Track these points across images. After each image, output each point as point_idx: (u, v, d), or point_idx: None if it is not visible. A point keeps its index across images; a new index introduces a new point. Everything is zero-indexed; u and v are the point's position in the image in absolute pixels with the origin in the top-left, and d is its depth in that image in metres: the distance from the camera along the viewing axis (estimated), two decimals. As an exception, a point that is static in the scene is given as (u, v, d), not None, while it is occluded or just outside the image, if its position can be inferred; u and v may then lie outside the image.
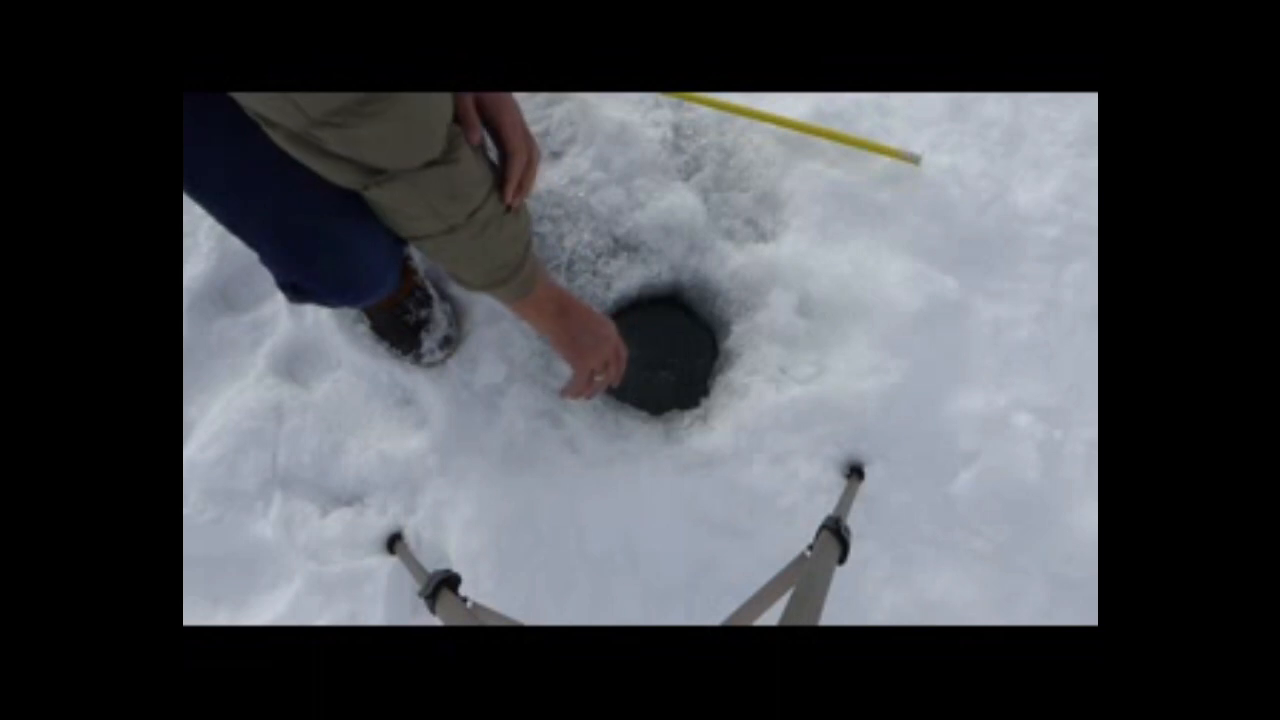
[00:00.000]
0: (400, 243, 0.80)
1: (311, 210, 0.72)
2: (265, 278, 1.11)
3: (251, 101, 0.57)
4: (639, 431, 1.16)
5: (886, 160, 1.20)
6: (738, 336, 1.18)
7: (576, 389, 0.96)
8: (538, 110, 1.24)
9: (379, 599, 1.09)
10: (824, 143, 1.21)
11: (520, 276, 0.82)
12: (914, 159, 1.18)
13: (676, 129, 1.25)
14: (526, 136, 0.82)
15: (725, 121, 1.26)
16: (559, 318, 0.91)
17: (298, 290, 0.81)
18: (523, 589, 1.08)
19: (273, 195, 0.72)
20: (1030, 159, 1.25)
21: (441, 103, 0.63)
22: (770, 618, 0.71)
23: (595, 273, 1.20)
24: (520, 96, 1.24)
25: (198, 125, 0.64)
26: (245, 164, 0.70)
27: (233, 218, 0.76)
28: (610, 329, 0.96)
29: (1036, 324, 1.17)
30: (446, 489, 1.12)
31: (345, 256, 0.76)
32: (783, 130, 1.22)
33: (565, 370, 1.18)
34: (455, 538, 1.10)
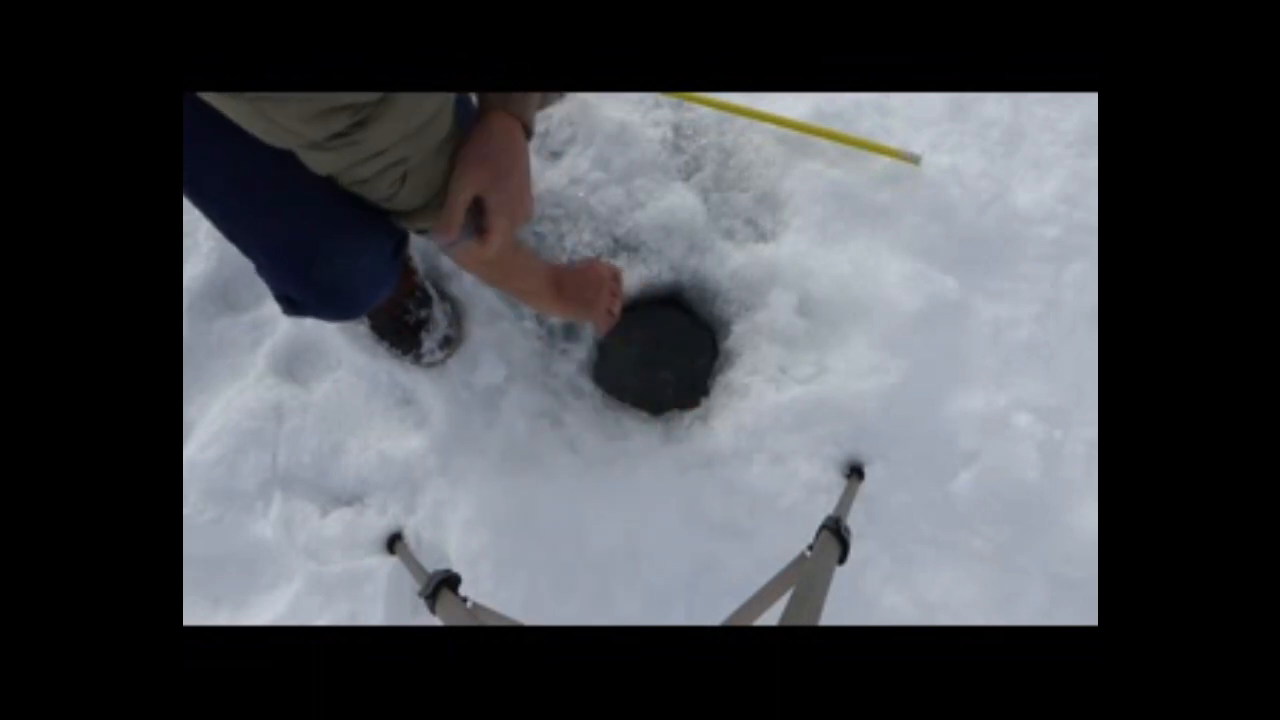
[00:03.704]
0: (397, 254, 0.80)
1: (308, 225, 0.72)
2: (265, 278, 1.10)
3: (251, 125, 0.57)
4: (639, 431, 1.16)
5: (886, 160, 1.20)
6: (738, 336, 1.18)
7: (604, 329, 1.05)
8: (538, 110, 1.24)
9: (379, 599, 1.09)
10: (824, 143, 1.21)
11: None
12: (914, 159, 1.18)
13: (676, 129, 1.25)
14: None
15: (725, 121, 1.26)
16: (557, 298, 0.96)
17: (292, 303, 0.81)
18: (523, 589, 1.08)
19: (269, 207, 0.72)
20: (1030, 159, 1.25)
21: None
22: (770, 618, 0.71)
23: (595, 273, 1.20)
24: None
25: (201, 128, 0.64)
26: (244, 172, 0.70)
27: (231, 227, 0.76)
28: (595, 270, 1.01)
29: (1036, 324, 1.17)
30: (446, 489, 1.12)
31: (339, 274, 0.76)
32: (783, 130, 1.22)
33: (564, 370, 1.18)
34: (455, 538, 1.10)
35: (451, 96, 0.68)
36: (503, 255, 0.85)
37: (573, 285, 0.98)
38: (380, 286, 0.81)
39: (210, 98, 0.56)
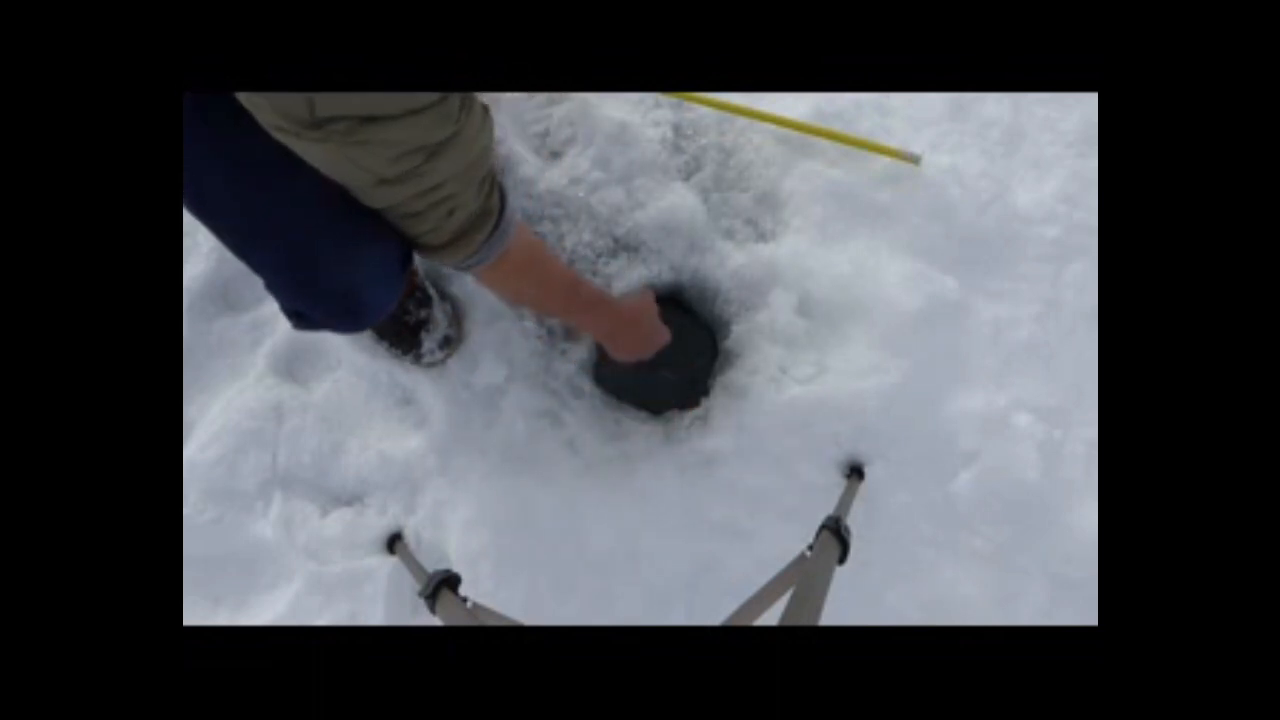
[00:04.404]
0: (403, 265, 0.80)
1: (313, 240, 0.72)
2: (265, 278, 1.10)
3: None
4: (639, 431, 1.16)
5: (886, 160, 1.19)
6: (738, 336, 1.18)
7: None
8: (538, 110, 1.24)
9: (379, 599, 1.09)
10: (824, 143, 1.21)
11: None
12: (914, 159, 1.18)
13: (676, 129, 1.25)
14: None
15: (725, 121, 1.26)
16: (613, 336, 1.04)
17: (301, 318, 0.80)
18: (523, 589, 1.08)
19: (274, 223, 0.72)
20: (1030, 159, 1.25)
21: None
22: (770, 618, 0.71)
23: (595, 273, 1.20)
24: (520, 96, 1.24)
25: (199, 130, 0.64)
26: (246, 187, 0.70)
27: (237, 241, 0.76)
28: (652, 322, 1.08)
29: (1036, 324, 1.17)
30: (446, 489, 1.12)
31: (350, 284, 0.76)
32: (783, 130, 1.22)
33: (564, 370, 1.18)
34: (455, 538, 1.10)
35: (495, 137, 0.71)
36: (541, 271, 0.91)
37: (633, 334, 1.05)
38: (388, 296, 0.81)
39: (293, 142, 0.59)
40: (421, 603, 0.81)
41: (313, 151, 0.60)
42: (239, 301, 1.21)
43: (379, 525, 1.12)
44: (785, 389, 1.13)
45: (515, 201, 0.81)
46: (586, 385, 1.19)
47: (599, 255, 1.20)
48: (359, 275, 0.76)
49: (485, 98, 1.20)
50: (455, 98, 0.61)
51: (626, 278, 1.19)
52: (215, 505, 1.11)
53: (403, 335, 1.12)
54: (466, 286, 1.19)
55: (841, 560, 0.78)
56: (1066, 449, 1.12)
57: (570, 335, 1.20)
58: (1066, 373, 1.15)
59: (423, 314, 1.12)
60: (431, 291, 1.14)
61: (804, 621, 0.62)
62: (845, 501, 0.96)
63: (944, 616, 1.09)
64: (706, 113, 1.25)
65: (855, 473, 1.10)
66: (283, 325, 1.18)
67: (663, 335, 1.10)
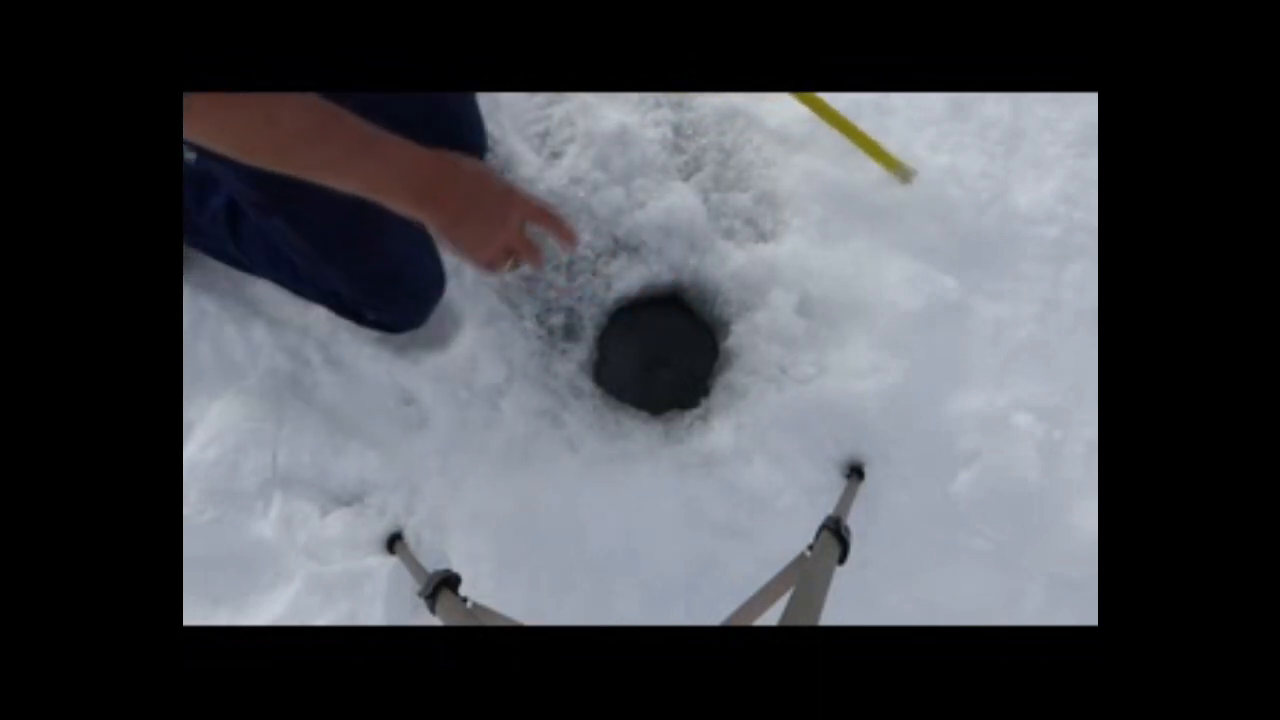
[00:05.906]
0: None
1: (387, 256, 0.69)
2: (265, 278, 1.09)
3: None
4: (639, 431, 1.16)
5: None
6: (738, 336, 1.18)
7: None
8: (537, 110, 1.24)
9: (379, 599, 1.09)
10: (825, 142, 1.21)
11: None
12: (906, 175, 1.17)
13: (676, 129, 1.25)
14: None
15: (725, 121, 1.26)
16: (435, 201, 0.63)
17: (380, 324, 0.77)
18: (523, 589, 1.08)
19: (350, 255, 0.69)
20: (1030, 159, 1.25)
21: None
22: (770, 618, 0.71)
23: (595, 273, 1.20)
24: (520, 96, 1.24)
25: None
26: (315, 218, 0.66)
27: (324, 268, 0.71)
28: (500, 195, 0.67)
29: (1036, 324, 1.17)
30: (446, 489, 1.12)
31: (418, 291, 0.72)
32: (783, 130, 1.22)
33: (564, 370, 1.18)
34: (455, 538, 1.10)
35: None
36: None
37: (455, 195, 0.64)
38: (432, 266, 0.76)
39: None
40: (421, 603, 0.81)
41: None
42: (239, 301, 1.21)
43: (379, 525, 1.12)
44: (785, 389, 1.13)
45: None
46: (586, 385, 1.19)
47: (599, 255, 1.20)
48: (424, 280, 0.67)
49: (487, 98, 1.21)
50: None
51: (627, 278, 1.19)
52: (215, 505, 1.11)
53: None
54: (467, 285, 1.19)
55: (841, 560, 0.78)
56: (1066, 449, 1.12)
57: (570, 335, 1.20)
58: (1066, 373, 1.16)
59: None
60: None
61: (804, 621, 0.62)
62: (845, 501, 0.96)
63: (944, 616, 1.09)
64: (707, 112, 1.25)
65: (855, 473, 1.10)
66: (283, 325, 1.17)
67: (516, 201, 0.67)
